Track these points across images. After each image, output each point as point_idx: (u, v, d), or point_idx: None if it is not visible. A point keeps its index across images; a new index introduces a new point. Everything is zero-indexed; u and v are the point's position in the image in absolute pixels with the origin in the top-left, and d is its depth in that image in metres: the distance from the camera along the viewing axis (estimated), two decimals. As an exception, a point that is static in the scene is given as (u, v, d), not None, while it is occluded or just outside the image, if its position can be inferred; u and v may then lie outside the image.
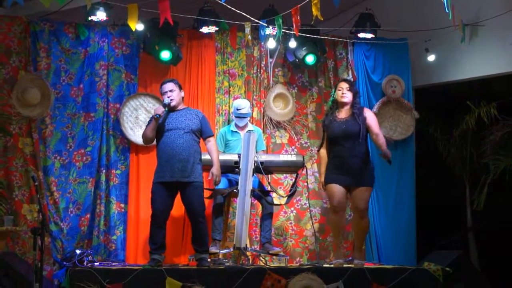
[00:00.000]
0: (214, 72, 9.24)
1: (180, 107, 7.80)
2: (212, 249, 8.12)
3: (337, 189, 7.90)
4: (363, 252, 8.72)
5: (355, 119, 7.98)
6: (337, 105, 8.15)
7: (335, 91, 8.20)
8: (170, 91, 7.73)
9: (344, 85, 8.11)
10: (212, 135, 7.86)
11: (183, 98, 7.87)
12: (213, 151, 7.77)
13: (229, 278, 7.26)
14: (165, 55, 8.70)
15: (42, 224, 6.34)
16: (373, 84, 9.68)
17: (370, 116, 8.10)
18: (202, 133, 7.77)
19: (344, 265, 7.96)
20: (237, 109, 8.68)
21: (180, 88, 7.84)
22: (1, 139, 8.23)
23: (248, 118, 8.82)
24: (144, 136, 7.79)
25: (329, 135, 8.04)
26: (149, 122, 7.76)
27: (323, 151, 8.16)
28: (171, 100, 7.69)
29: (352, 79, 9.47)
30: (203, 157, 7.82)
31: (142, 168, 8.78)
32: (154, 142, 7.85)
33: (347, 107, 8.09)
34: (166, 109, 7.67)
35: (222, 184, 8.38)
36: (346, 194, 7.96)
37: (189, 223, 8.51)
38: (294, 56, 9.23)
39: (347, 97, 8.06)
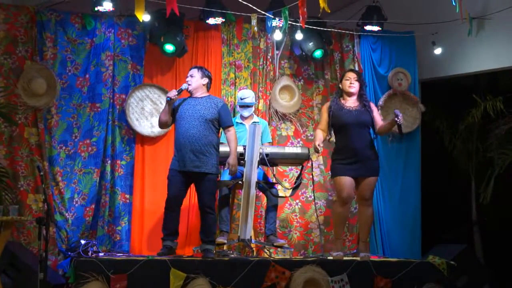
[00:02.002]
0: (220, 64, 9.23)
1: (201, 95, 7.79)
2: (220, 240, 8.13)
3: (347, 182, 7.86)
4: (368, 245, 8.73)
5: (366, 110, 7.98)
6: (342, 94, 8.12)
7: (341, 81, 8.17)
8: (191, 76, 7.80)
9: (352, 75, 8.09)
10: (232, 125, 7.84)
11: (206, 85, 7.85)
12: (231, 141, 7.76)
13: (233, 270, 7.27)
14: (169, 48, 8.68)
15: (47, 214, 6.34)
16: (379, 77, 9.66)
17: (375, 110, 8.13)
18: (221, 122, 7.74)
19: (345, 258, 7.96)
20: (241, 99, 8.69)
21: (205, 76, 7.83)
22: (7, 129, 8.23)
23: (253, 109, 8.81)
24: (159, 119, 7.88)
25: (337, 122, 7.95)
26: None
27: (321, 131, 8.04)
28: (188, 84, 7.75)
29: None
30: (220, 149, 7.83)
31: (147, 159, 8.79)
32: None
33: (354, 97, 8.07)
34: (177, 93, 7.67)
35: (227, 176, 8.39)
36: (354, 186, 7.94)
37: (194, 214, 8.56)
38: (300, 49, 9.22)
39: (355, 87, 8.04)
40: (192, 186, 7.84)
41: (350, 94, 8.05)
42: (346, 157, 7.89)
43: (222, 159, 7.85)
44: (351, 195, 7.97)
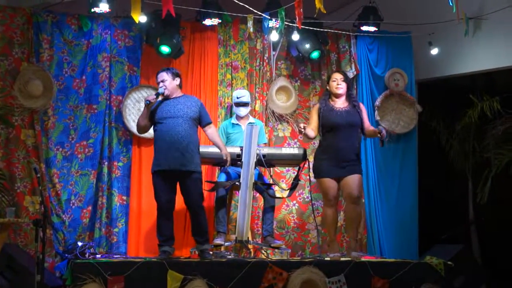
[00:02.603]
0: (216, 65, 9.23)
1: (176, 95, 7.73)
2: (217, 241, 8.12)
3: (332, 184, 7.84)
4: (365, 245, 8.73)
5: (356, 111, 7.97)
6: (330, 95, 8.10)
7: (328, 82, 8.16)
8: (162, 81, 7.68)
9: (338, 76, 8.06)
10: (211, 122, 7.82)
11: (179, 85, 7.76)
12: (215, 136, 7.78)
13: (231, 271, 7.26)
14: (164, 49, 8.67)
15: (44, 216, 6.34)
16: (376, 77, 9.66)
17: (364, 110, 8.11)
18: (201, 121, 7.72)
19: (342, 259, 7.95)
20: (237, 97, 8.69)
21: (175, 76, 7.72)
22: (4, 131, 8.23)
23: (249, 109, 8.80)
24: (137, 124, 7.78)
25: (327, 123, 7.91)
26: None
27: (311, 130, 7.97)
28: (164, 89, 7.65)
29: (355, 72, 9.47)
30: (203, 149, 7.84)
31: (144, 160, 8.78)
32: (150, 133, 7.84)
33: (342, 98, 8.05)
34: (159, 98, 7.63)
35: (224, 177, 8.38)
36: (337, 186, 7.92)
37: (189, 216, 8.53)
38: (297, 50, 9.21)
39: (342, 88, 8.01)
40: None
41: (338, 95, 8.02)
42: (331, 156, 7.84)
43: (218, 160, 7.85)
44: (336, 196, 7.96)
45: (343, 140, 7.85)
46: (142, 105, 8.70)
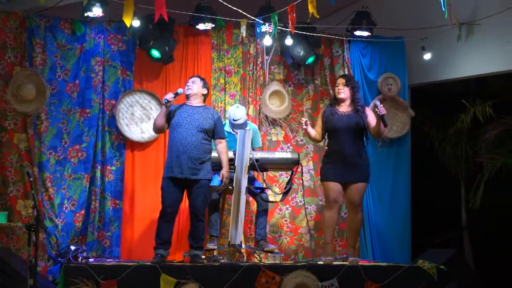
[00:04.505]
0: (210, 69, 9.23)
1: (197, 104, 7.82)
2: (210, 246, 8.13)
3: (334, 187, 7.91)
4: (357, 249, 8.74)
5: (359, 115, 8.00)
6: (336, 100, 8.17)
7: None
8: (192, 82, 7.84)
9: (340, 81, 8.15)
10: (224, 138, 7.89)
11: (204, 95, 7.90)
12: (223, 153, 7.83)
13: (224, 275, 7.27)
14: (154, 53, 8.71)
15: (37, 220, 6.32)
16: (369, 82, 9.68)
17: (371, 115, 8.12)
18: (215, 133, 7.80)
19: (335, 263, 7.97)
20: (234, 120, 8.60)
21: (205, 86, 7.91)
22: (-4, 135, 8.23)
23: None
24: (154, 123, 7.85)
25: (329, 127, 8.03)
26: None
27: (316, 132, 8.11)
28: (188, 88, 7.80)
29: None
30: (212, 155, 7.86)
31: (137, 164, 8.78)
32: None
33: (347, 102, 8.10)
34: (173, 96, 7.71)
35: (217, 181, 8.38)
36: (342, 190, 7.97)
37: (184, 220, 8.56)
38: (291, 58, 9.22)
39: (343, 92, 8.08)
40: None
41: (340, 100, 8.10)
42: (335, 161, 7.96)
43: (213, 165, 7.87)
44: (337, 199, 7.99)
45: (346, 145, 7.93)
46: (135, 109, 8.77)
